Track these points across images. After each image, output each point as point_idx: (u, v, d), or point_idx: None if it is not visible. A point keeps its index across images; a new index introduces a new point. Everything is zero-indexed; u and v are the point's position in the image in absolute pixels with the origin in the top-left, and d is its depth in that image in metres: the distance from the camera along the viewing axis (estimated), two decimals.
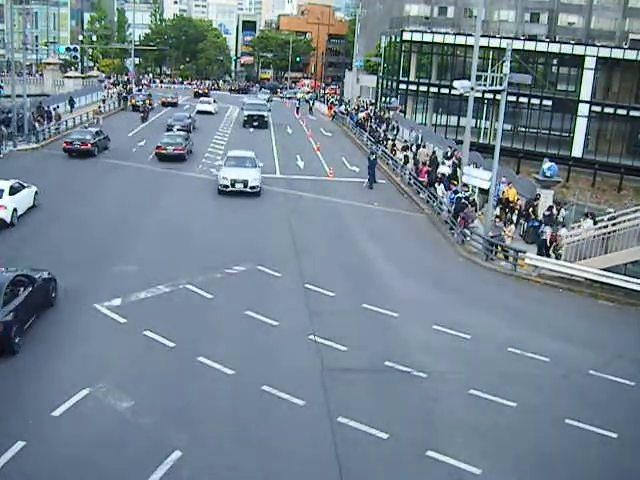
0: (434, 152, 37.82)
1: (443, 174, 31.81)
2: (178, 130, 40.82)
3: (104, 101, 58.84)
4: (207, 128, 48.71)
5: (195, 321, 15.68)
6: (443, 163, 34.74)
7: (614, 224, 21.43)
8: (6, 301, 13.22)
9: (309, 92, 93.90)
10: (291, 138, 48.74)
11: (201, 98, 64.11)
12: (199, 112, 56.60)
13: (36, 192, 24.39)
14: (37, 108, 45.83)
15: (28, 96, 41.39)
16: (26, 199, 23.60)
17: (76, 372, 12.82)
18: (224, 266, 19.24)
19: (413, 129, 44.74)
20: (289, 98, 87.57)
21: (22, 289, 14.09)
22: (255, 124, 48.99)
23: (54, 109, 46.56)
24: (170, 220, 24.31)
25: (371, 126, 50.41)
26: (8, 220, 21.74)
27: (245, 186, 27.97)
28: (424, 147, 41.14)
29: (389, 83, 68.27)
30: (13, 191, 22.62)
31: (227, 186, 27.97)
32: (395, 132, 48.94)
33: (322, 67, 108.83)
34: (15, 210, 22.25)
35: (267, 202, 28.56)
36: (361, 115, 57.32)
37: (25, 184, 23.87)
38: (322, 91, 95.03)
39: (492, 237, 22.79)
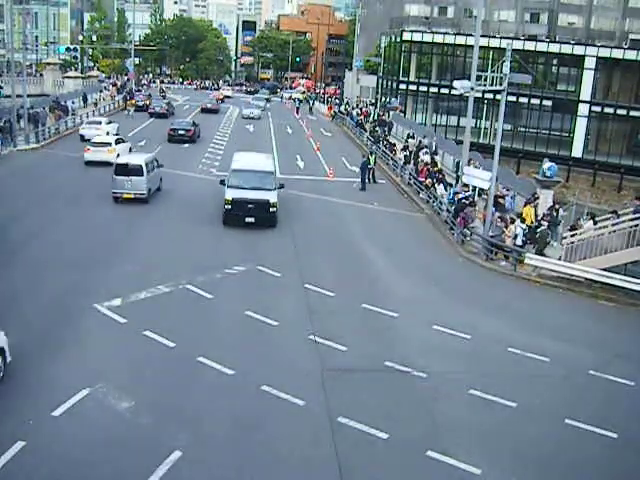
0: (420, 141, 38.73)
1: (426, 162, 33.01)
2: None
3: (96, 104, 57.24)
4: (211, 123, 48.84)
5: (195, 321, 15.67)
6: (426, 153, 35.17)
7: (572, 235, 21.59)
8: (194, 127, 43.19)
9: (304, 92, 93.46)
10: (291, 138, 48.70)
11: (223, 86, 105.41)
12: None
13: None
14: (55, 103, 45.98)
15: (28, 96, 41.43)
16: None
17: (76, 372, 12.81)
18: (224, 266, 19.25)
19: (426, 136, 44.28)
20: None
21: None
22: (250, 220, 24.00)
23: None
24: (169, 221, 24.36)
25: (373, 126, 50.21)
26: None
27: None
28: (412, 137, 42.18)
29: (389, 83, 68.29)
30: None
31: None
32: (413, 140, 48.09)
33: (322, 67, 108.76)
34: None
35: None
36: (355, 112, 57.19)
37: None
38: (321, 91, 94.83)
39: (492, 237, 22.81)
